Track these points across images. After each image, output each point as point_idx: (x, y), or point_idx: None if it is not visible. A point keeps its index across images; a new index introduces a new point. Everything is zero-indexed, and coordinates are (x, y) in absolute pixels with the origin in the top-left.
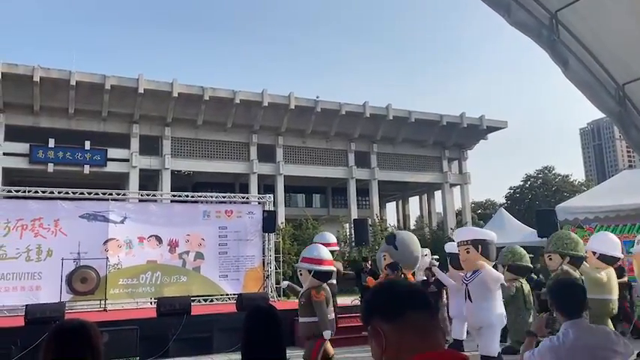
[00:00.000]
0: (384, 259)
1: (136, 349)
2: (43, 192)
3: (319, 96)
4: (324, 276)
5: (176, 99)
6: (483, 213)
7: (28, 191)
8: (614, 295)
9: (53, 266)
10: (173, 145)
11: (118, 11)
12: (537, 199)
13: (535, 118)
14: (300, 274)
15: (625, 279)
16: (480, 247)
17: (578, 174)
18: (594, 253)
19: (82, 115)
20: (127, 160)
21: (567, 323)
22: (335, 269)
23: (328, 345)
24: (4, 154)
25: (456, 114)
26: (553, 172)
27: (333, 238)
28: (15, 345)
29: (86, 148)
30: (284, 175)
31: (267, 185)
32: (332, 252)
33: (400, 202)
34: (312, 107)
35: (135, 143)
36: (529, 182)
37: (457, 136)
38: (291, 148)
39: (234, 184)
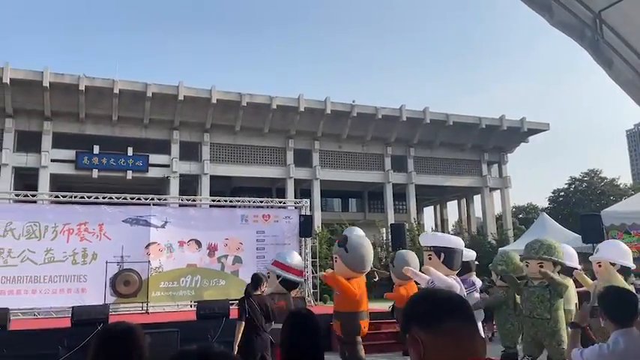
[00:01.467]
0: (335, 261)
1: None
2: (89, 197)
3: (355, 100)
4: (290, 284)
5: (215, 105)
6: (525, 217)
7: (75, 197)
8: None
9: (98, 269)
10: (212, 150)
11: (153, 18)
12: (582, 204)
13: (579, 120)
14: (268, 276)
15: None
16: (442, 254)
17: (625, 177)
18: (613, 264)
19: (125, 122)
20: (167, 166)
21: (618, 332)
22: (302, 280)
23: None
24: (52, 160)
25: (496, 116)
26: (599, 175)
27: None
28: (62, 345)
29: (129, 154)
30: (320, 180)
31: (303, 190)
32: None
33: (438, 207)
34: (348, 112)
35: (175, 149)
36: (574, 186)
37: (497, 139)
38: (327, 152)
39: (271, 189)
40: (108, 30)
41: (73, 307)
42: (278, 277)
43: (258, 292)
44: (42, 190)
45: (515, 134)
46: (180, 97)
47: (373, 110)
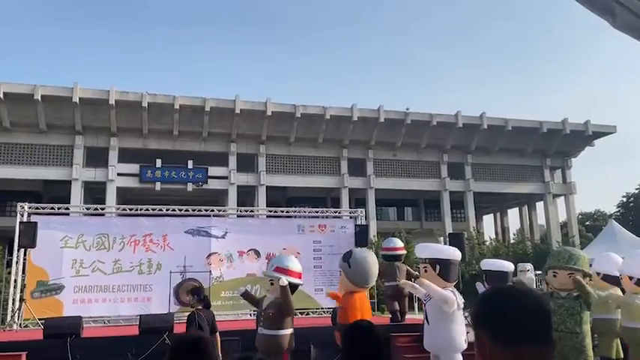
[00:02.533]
0: (340, 274)
1: None
2: (153, 209)
3: (409, 107)
4: (293, 288)
5: (270, 117)
6: (592, 225)
7: (140, 209)
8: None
9: (162, 279)
10: (268, 161)
11: (206, 31)
12: None
13: None
14: (272, 285)
15: None
16: (437, 266)
17: None
18: (598, 273)
19: (185, 136)
20: (225, 178)
21: None
22: (302, 283)
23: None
24: (118, 174)
25: (558, 120)
26: None
27: (399, 243)
28: (130, 352)
29: (189, 167)
30: (375, 189)
31: (358, 199)
32: (399, 256)
33: (498, 215)
34: (401, 119)
35: (233, 161)
36: None
37: (559, 144)
38: (381, 161)
39: (326, 198)
40: (162, 44)
41: (140, 316)
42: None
43: (200, 306)
44: (109, 203)
45: (580, 138)
46: (237, 111)
47: (428, 117)
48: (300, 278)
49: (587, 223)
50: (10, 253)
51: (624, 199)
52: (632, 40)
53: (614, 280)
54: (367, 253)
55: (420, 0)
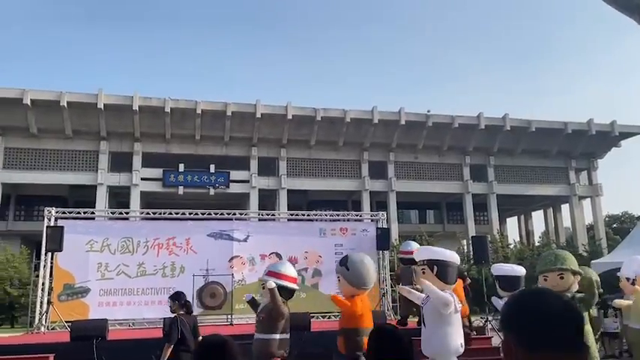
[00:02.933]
0: (339, 280)
1: None
2: (176, 213)
3: (430, 110)
4: (287, 292)
5: (290, 121)
6: (620, 227)
7: (163, 213)
8: None
9: (185, 282)
10: (288, 165)
11: (223, 35)
12: None
13: None
14: (263, 288)
15: None
16: (435, 267)
17: None
18: (628, 279)
19: (207, 140)
20: (247, 181)
21: None
22: (297, 288)
23: None
24: (142, 179)
25: (583, 120)
26: None
27: (416, 246)
28: (155, 355)
29: (211, 171)
30: (396, 192)
31: (379, 202)
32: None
33: (522, 217)
34: (423, 122)
35: (254, 165)
36: None
37: (585, 145)
38: (402, 163)
39: (347, 201)
40: (182, 48)
41: (164, 319)
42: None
43: (182, 312)
44: (133, 207)
45: (606, 139)
46: (258, 115)
47: (449, 119)
48: (294, 283)
49: (615, 225)
50: (38, 257)
51: None
52: None
53: None
54: (363, 255)
55: (435, 1)
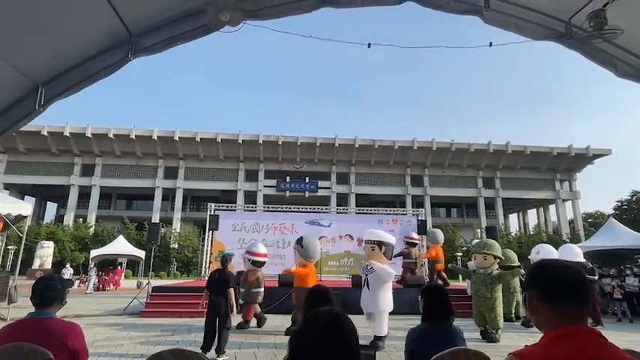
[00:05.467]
0: (295, 254)
1: (342, 309)
2: (286, 208)
3: (453, 139)
4: (257, 264)
5: (357, 148)
6: (593, 222)
7: (277, 208)
8: None
9: (290, 252)
10: (356, 177)
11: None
12: None
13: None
14: (244, 262)
15: (595, 277)
16: (382, 247)
17: None
18: None
19: (304, 161)
20: (329, 188)
21: None
22: (266, 259)
23: (256, 307)
24: (264, 186)
25: (565, 145)
26: None
27: (415, 235)
28: (271, 299)
29: (306, 181)
30: (430, 195)
31: (418, 202)
32: (415, 243)
33: (520, 214)
34: (448, 147)
35: (333, 177)
36: (636, 196)
37: (566, 163)
38: (434, 176)
39: (396, 202)
40: (279, 93)
41: (279, 275)
42: (249, 260)
43: (221, 268)
44: (259, 204)
45: (582, 159)
46: (336, 145)
47: (467, 145)
48: (263, 257)
49: (589, 220)
50: (204, 233)
51: (619, 203)
52: (626, 82)
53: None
54: (313, 237)
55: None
